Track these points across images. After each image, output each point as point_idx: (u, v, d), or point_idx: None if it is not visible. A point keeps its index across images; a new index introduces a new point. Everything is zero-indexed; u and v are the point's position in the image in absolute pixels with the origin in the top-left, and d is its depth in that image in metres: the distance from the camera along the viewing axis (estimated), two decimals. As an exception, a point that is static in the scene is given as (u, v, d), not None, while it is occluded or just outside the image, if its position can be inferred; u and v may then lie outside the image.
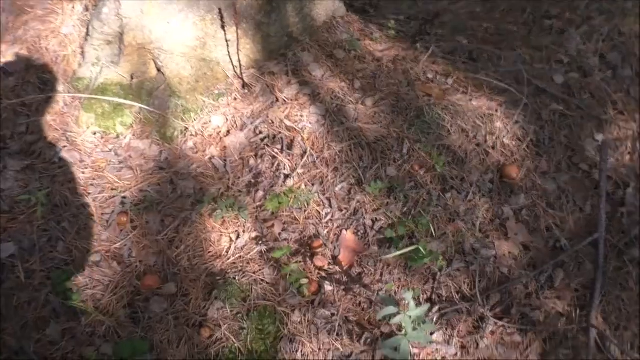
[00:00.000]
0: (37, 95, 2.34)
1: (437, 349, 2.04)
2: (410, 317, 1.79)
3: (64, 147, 2.32)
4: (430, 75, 2.71)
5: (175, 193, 2.33)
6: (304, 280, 2.07)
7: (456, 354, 2.06)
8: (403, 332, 1.84)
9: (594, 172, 2.44)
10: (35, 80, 2.37)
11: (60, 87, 2.38)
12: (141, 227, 2.21)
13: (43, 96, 2.36)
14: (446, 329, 2.11)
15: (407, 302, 1.90)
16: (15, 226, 2.09)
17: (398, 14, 3.28)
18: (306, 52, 2.74)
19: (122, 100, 2.38)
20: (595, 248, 2.26)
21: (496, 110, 2.56)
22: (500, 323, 2.13)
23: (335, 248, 2.24)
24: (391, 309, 1.80)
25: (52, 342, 1.92)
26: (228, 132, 2.51)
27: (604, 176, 2.37)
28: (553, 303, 2.16)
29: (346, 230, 2.28)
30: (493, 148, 2.46)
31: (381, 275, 2.22)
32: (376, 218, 2.30)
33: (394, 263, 2.23)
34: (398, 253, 2.14)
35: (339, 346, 2.08)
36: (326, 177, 2.39)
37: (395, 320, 1.81)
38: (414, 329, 1.81)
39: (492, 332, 2.13)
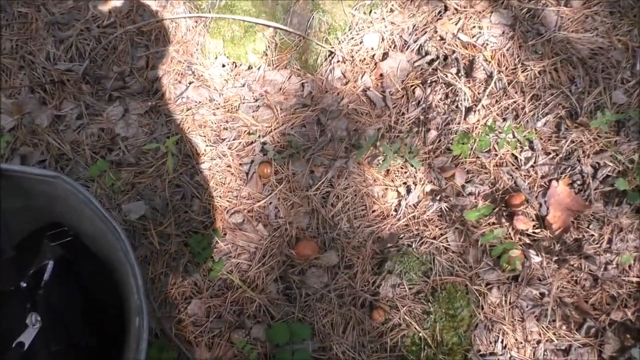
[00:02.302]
0: (154, 20, 1.93)
1: None
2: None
3: (190, 83, 1.91)
4: (661, -41, 1.91)
5: (325, 136, 1.85)
6: (516, 251, 1.53)
7: None
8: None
9: None
10: (152, 2, 1.95)
11: (181, 8, 1.94)
12: (287, 180, 1.77)
13: (161, 20, 1.93)
14: None
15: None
16: (144, 181, 1.74)
17: None
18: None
19: (254, 20, 1.90)
20: None
21: None
22: None
23: (541, 205, 1.66)
24: None
25: (196, 322, 1.58)
26: (385, 55, 1.95)
27: None
28: None
29: (556, 180, 1.67)
30: None
31: (609, 243, 1.61)
32: (599, 163, 1.67)
33: (628, 225, 1.61)
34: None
35: (552, 336, 1.55)
36: (522, 108, 1.77)
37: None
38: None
39: None
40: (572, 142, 1.69)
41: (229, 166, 1.80)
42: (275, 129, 1.86)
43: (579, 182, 1.67)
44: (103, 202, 1.68)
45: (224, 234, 1.70)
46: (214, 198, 1.74)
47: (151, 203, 1.71)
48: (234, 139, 1.85)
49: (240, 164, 1.81)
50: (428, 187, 1.74)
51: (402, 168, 1.78)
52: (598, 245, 1.61)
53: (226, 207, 1.73)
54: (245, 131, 1.86)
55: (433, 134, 1.81)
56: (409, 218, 1.70)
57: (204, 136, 1.84)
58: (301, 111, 1.91)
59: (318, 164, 1.81)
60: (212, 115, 1.88)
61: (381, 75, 1.94)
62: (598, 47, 1.79)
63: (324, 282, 1.62)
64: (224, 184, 1.78)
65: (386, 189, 1.76)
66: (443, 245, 1.64)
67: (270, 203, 1.75)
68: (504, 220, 1.67)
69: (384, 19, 1.98)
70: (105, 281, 1.27)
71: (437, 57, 1.91)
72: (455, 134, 1.73)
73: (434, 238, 1.66)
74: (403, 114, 1.87)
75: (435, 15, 1.96)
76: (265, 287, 1.62)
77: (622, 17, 1.81)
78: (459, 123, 1.80)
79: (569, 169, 1.68)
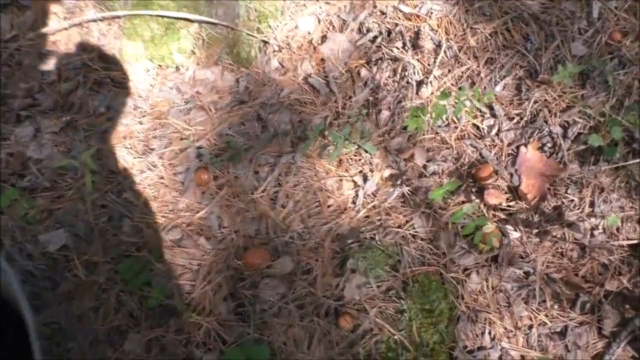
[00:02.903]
0: (62, 28, 1.72)
1: None
2: None
3: (109, 92, 1.70)
4: None
5: (267, 132, 1.65)
6: (490, 227, 1.34)
7: None
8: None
9: None
10: (59, 9, 1.75)
11: (91, 11, 1.74)
12: (229, 185, 1.57)
13: (70, 27, 1.73)
14: None
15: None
16: (63, 206, 1.52)
17: None
18: None
19: (174, 14, 1.71)
20: None
21: None
22: None
23: (512, 175, 1.49)
24: None
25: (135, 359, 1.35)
26: (323, 37, 1.78)
27: None
28: None
29: (525, 146, 1.51)
30: None
31: (592, 206, 1.45)
32: (568, 121, 1.52)
33: (609, 184, 1.45)
34: (624, 163, 1.36)
35: (545, 319, 1.36)
36: (478, 74, 1.61)
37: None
38: None
39: None
40: (536, 102, 1.54)
41: (162, 178, 1.59)
42: (211, 131, 1.66)
43: (549, 145, 1.51)
44: (15, 236, 1.45)
45: (161, 254, 1.47)
46: (147, 215, 1.52)
47: (73, 230, 1.48)
48: (165, 148, 1.64)
49: (175, 174, 1.60)
50: (387, 172, 1.56)
51: (355, 155, 1.60)
52: (580, 210, 1.45)
53: (162, 224, 1.52)
54: (177, 137, 1.66)
55: (385, 114, 1.64)
56: (369, 208, 1.51)
57: (131, 148, 1.63)
58: (238, 108, 1.71)
59: (262, 163, 1.61)
60: (138, 125, 1.67)
61: (322, 59, 1.76)
62: (549, 0, 1.65)
63: (281, 292, 1.41)
64: (158, 198, 1.56)
65: (341, 180, 1.57)
66: (410, 233, 1.45)
67: (212, 212, 1.54)
68: (473, 197, 1.49)
69: (318, 0, 1.82)
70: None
71: (380, 33, 1.75)
72: (417, 108, 1.55)
73: (399, 226, 1.47)
74: (350, 97, 1.69)
75: (372, -10, 1.80)
76: (213, 308, 1.40)
77: (569, -33, 1.68)
78: (412, 99, 1.63)
79: (537, 131, 1.52)
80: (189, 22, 1.76)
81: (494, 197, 1.46)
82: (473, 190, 1.50)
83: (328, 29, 1.79)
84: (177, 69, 1.79)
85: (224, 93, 1.75)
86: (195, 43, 1.79)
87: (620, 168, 1.46)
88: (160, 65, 1.79)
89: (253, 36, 1.78)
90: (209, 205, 1.55)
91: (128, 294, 1.41)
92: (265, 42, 1.79)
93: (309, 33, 1.80)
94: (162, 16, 1.73)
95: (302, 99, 1.71)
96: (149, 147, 1.64)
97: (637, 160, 1.38)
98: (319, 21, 1.80)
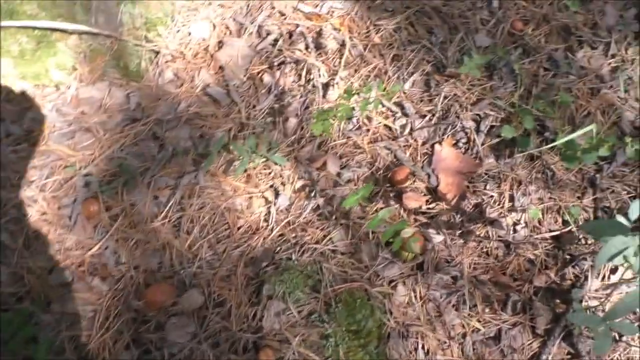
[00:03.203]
0: None
1: None
2: None
3: (-25, 120, 1.47)
4: None
5: (165, 151, 1.49)
6: (408, 231, 1.25)
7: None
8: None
9: None
10: None
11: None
12: (125, 215, 1.39)
13: None
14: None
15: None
16: None
17: None
18: None
19: (45, 24, 1.50)
20: None
21: None
22: None
23: (430, 175, 1.42)
24: (619, 244, 0.97)
25: None
26: (220, 43, 1.64)
27: None
28: None
29: (439, 144, 1.44)
30: (625, -30, 1.58)
31: (512, 200, 1.40)
32: (480, 115, 1.47)
33: (526, 176, 1.41)
34: (537, 149, 1.32)
35: (477, 324, 1.29)
36: (385, 72, 1.53)
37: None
38: None
39: None
40: (446, 97, 1.48)
41: (44, 213, 1.38)
42: (99, 156, 1.48)
43: (463, 141, 1.45)
44: None
45: (48, 303, 1.27)
46: (28, 259, 1.32)
47: (-64, 285, 1.25)
48: (46, 178, 1.44)
49: (59, 208, 1.40)
50: (299, 184, 1.44)
51: (264, 169, 1.47)
52: (500, 205, 1.39)
53: (46, 267, 1.31)
54: (60, 165, 1.46)
55: (293, 121, 1.52)
56: (284, 226, 1.38)
57: (3, 182, 1.41)
58: (131, 127, 1.54)
59: (162, 186, 1.45)
60: (11, 154, 1.46)
61: (221, 67, 1.62)
62: (449, -8, 1.60)
63: (191, 331, 1.25)
64: (40, 237, 1.35)
65: (250, 197, 1.44)
66: (329, 249, 1.34)
67: (106, 248, 1.36)
68: (392, 202, 1.40)
69: (210, 3, 1.67)
70: None
71: (281, 35, 1.63)
72: (324, 111, 1.44)
73: (317, 242, 1.35)
74: (254, 106, 1.56)
75: (269, -9, 1.69)
76: (114, 359, 1.22)
77: (466, -43, 1.64)
78: (319, 103, 1.52)
79: (450, 127, 1.46)
80: (66, 34, 1.56)
81: (413, 201, 1.38)
82: (391, 194, 1.42)
83: (225, 34, 1.65)
84: (57, 87, 1.58)
85: (113, 111, 1.57)
86: (76, 57, 1.59)
87: (536, 158, 1.42)
88: (36, 85, 1.57)
89: (141, 46, 1.61)
90: (103, 239, 1.37)
91: (9, 353, 1.20)
92: (157, 52, 1.63)
93: (204, 40, 1.65)
94: (32, 27, 1.52)
95: (202, 111, 1.56)
96: (27, 179, 1.43)
97: (550, 146, 1.34)
98: (214, 26, 1.66)
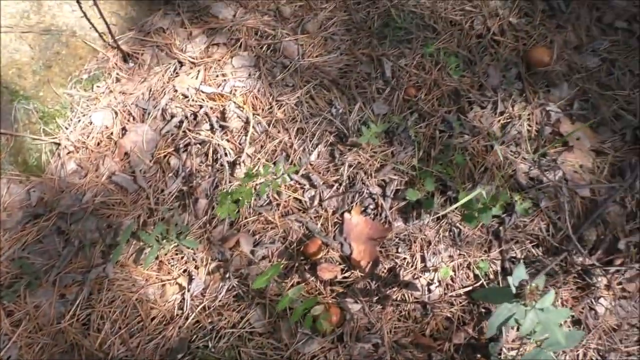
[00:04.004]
0: None
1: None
2: (539, 309, 1.01)
3: None
4: (377, -27, 1.92)
5: (71, 245, 1.44)
6: (318, 308, 1.25)
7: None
8: (523, 332, 1.07)
9: (637, 27, 1.75)
10: None
11: None
12: (29, 318, 1.31)
13: None
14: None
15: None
16: None
17: None
18: (200, -10, 1.88)
19: None
20: (690, 120, 1.58)
21: (483, -13, 1.82)
22: (612, 269, 1.41)
23: (342, 244, 1.44)
24: (505, 311, 1.00)
25: None
26: (124, 130, 1.63)
27: (660, 23, 1.68)
28: (670, 213, 1.46)
29: (348, 212, 1.47)
30: (502, 34, 1.72)
31: (423, 261, 1.43)
32: (385, 180, 1.51)
33: (435, 236, 1.45)
34: (442, 212, 1.36)
35: (403, 389, 1.28)
36: (291, 146, 1.57)
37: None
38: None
39: (608, 286, 1.41)
40: (351, 166, 1.52)
41: None
42: (-2, 258, 1.40)
43: (372, 207, 1.48)
44: None
45: None
46: None
47: None
48: (-63, 290, 1.34)
49: (-47, 320, 1.30)
50: (213, 265, 1.42)
51: (177, 254, 1.44)
52: (413, 267, 1.42)
53: (-62, 389, 1.21)
54: (-46, 274, 1.37)
55: (203, 202, 1.51)
56: (199, 311, 1.34)
57: None
58: (33, 224, 1.48)
59: (69, 283, 1.39)
60: None
61: (126, 154, 1.60)
62: (345, 65, 1.68)
63: None
64: None
65: (163, 285, 1.40)
66: (247, 331, 1.31)
67: (9, 357, 1.26)
68: (308, 275, 1.40)
69: (111, 91, 1.67)
70: None
71: (186, 117, 1.64)
72: (228, 193, 1.44)
73: (234, 326, 1.32)
74: (162, 190, 1.54)
75: (171, 74, 1.71)
76: None
77: (359, 32, 1.74)
78: (228, 182, 1.52)
79: (357, 195, 1.49)
80: (-43, 135, 1.50)
81: (328, 272, 1.38)
82: (306, 267, 1.42)
83: (128, 120, 1.64)
84: (-51, 190, 1.51)
85: (12, 209, 1.50)
86: (-30, 157, 1.53)
87: (442, 217, 1.47)
88: None
89: (40, 140, 1.57)
90: (5, 348, 1.28)
91: None
92: (57, 144, 1.59)
93: (107, 127, 1.64)
94: None
95: (109, 200, 1.53)
96: None
97: (454, 207, 1.40)
98: (116, 113, 1.65)
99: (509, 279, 1.00)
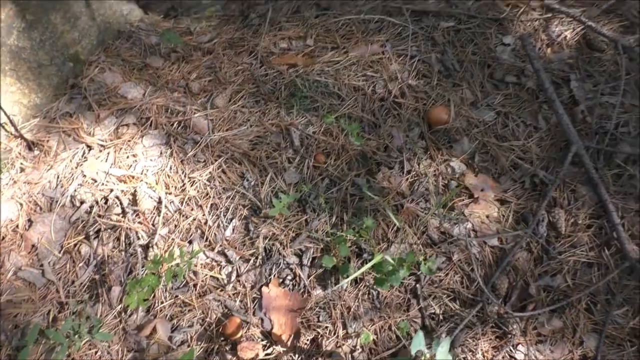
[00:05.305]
0: None
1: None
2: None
3: None
4: (284, 45, 2.00)
5: (-28, 352, 1.34)
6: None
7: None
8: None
9: (525, 80, 1.90)
10: None
11: None
12: None
13: None
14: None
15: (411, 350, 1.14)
16: None
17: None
18: (108, 72, 1.89)
19: None
20: (579, 164, 1.69)
21: (383, 53, 1.92)
22: (526, 314, 1.47)
23: (262, 320, 1.42)
24: None
25: None
26: (30, 221, 1.57)
27: (543, 76, 1.82)
28: (572, 254, 1.54)
29: (266, 285, 1.46)
30: (403, 96, 1.81)
31: (345, 327, 1.43)
32: (301, 249, 1.52)
33: (354, 301, 1.46)
34: (353, 276, 1.38)
35: None
36: (205, 223, 1.56)
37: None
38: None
39: (524, 332, 1.45)
40: (266, 238, 1.52)
41: None
42: None
43: (290, 277, 1.48)
44: None
45: None
46: None
47: None
48: None
49: None
50: (129, 358, 1.36)
51: (90, 348, 1.37)
52: (335, 335, 1.42)
53: None
54: None
55: (117, 290, 1.47)
56: (115, 410, 1.28)
57: None
58: None
59: (-30, 396, 1.29)
60: None
61: (33, 246, 1.54)
62: (256, 137, 1.71)
63: None
64: None
65: (76, 385, 1.32)
66: None
67: None
68: (229, 356, 1.37)
69: (15, 181, 1.62)
70: None
71: (96, 202, 1.61)
72: (138, 281, 1.40)
73: (153, 421, 1.26)
74: (73, 282, 1.49)
75: (79, 159, 1.68)
76: None
77: (267, 103, 1.78)
78: (142, 266, 1.49)
79: (275, 267, 1.49)
80: None
81: (249, 351, 1.36)
82: (227, 348, 1.39)
83: (34, 210, 1.59)
84: None
85: None
86: None
87: (360, 281, 1.49)
88: None
89: (-63, 241, 1.49)
90: None
91: None
92: (-43, 243, 1.51)
93: (12, 220, 1.58)
94: None
95: (15, 298, 1.45)
96: None
97: (368, 266, 1.42)
98: (21, 205, 1.59)
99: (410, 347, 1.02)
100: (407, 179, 1.65)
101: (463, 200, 1.64)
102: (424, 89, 1.84)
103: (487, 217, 1.62)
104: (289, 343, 1.39)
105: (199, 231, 1.55)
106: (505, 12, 2.07)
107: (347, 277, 1.46)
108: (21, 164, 1.65)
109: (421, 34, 1.98)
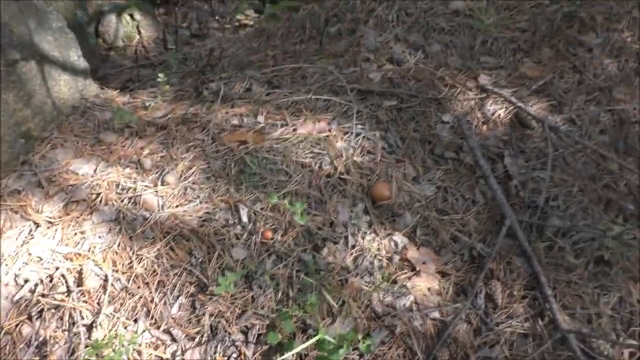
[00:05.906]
0: None
1: None
2: None
3: None
4: (235, 121, 2.09)
5: None
6: None
7: None
8: None
9: (463, 156, 2.02)
10: None
11: None
12: None
13: None
14: None
15: None
16: None
17: (169, 74, 2.65)
18: (60, 148, 1.93)
19: None
20: (513, 237, 1.80)
21: (329, 130, 2.03)
22: (466, 386, 1.51)
23: (206, 400, 1.42)
24: None
25: None
26: (-30, 302, 1.55)
27: (478, 153, 1.95)
28: (508, 326, 1.62)
29: (212, 364, 1.47)
30: (348, 172, 1.90)
31: (289, 404, 1.44)
32: (247, 326, 1.54)
33: (299, 377, 1.48)
34: (293, 351, 1.41)
35: None
36: (152, 301, 1.57)
37: None
38: None
39: (465, 405, 1.49)
40: (212, 315, 1.54)
41: None
42: None
43: (235, 355, 1.50)
44: None
45: None
46: None
47: None
48: None
49: None
50: None
51: None
52: (279, 414, 1.42)
53: None
54: None
55: (57, 373, 1.44)
56: None
57: None
58: None
59: None
60: None
61: (-28, 328, 1.51)
62: (205, 213, 1.75)
63: None
64: None
65: None
66: None
67: None
68: None
69: (-43, 261, 1.60)
70: None
71: (41, 281, 1.60)
72: (80, 363, 1.39)
73: None
74: (12, 365, 1.45)
75: (25, 237, 1.68)
76: None
77: (217, 179, 1.84)
78: (86, 346, 1.47)
79: (220, 344, 1.50)
80: None
81: None
82: None
83: (-25, 291, 1.57)
84: None
85: None
86: None
87: (304, 357, 1.51)
88: None
89: None
90: None
91: None
92: None
93: (-49, 301, 1.55)
94: None
95: (-50, 384, 1.41)
96: None
97: (308, 344, 1.45)
98: (-37, 285, 1.57)
99: None
100: (352, 254, 1.71)
101: (406, 273, 1.70)
102: (369, 165, 1.93)
103: (429, 289, 1.68)
104: None
105: (144, 309, 1.55)
106: (444, 92, 2.22)
107: (293, 353, 1.48)
108: (-35, 242, 1.64)
109: (366, 113, 2.11)
